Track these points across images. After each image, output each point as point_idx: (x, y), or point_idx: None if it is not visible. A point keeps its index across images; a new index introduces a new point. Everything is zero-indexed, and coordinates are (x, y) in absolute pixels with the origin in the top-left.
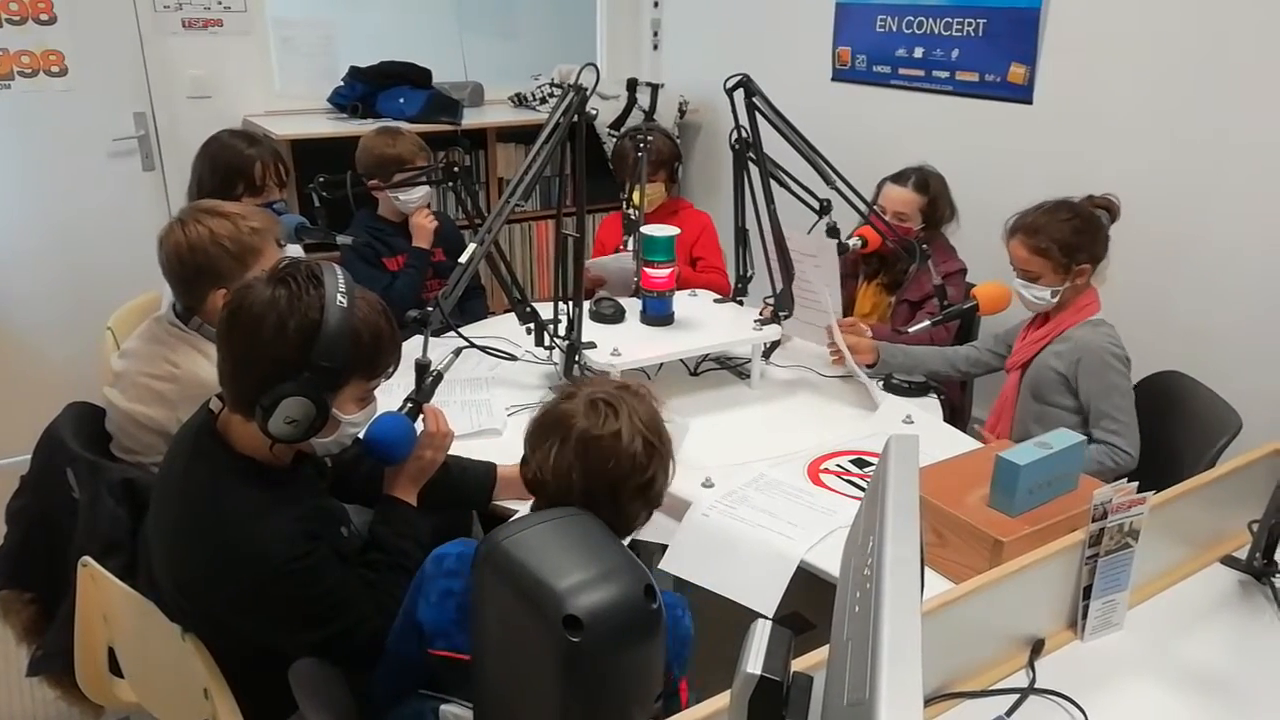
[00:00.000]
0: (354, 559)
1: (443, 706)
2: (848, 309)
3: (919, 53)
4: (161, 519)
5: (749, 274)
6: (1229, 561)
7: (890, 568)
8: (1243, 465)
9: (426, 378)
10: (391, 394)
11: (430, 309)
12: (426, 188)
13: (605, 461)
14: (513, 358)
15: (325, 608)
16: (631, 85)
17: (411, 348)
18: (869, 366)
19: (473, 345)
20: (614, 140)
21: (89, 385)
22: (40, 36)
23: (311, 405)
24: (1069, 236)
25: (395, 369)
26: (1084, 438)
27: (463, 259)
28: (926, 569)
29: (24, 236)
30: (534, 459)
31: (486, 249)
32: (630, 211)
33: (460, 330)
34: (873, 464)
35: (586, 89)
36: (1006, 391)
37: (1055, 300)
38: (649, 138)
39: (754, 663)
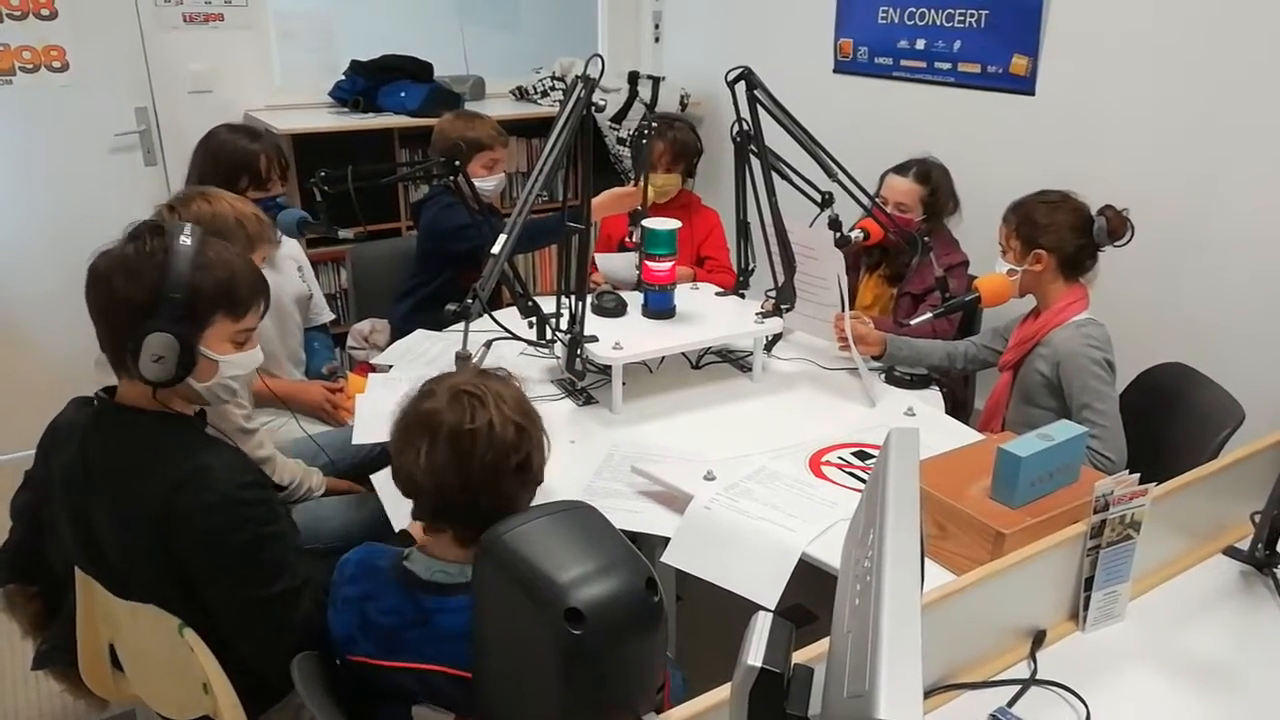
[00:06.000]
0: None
1: (415, 707)
2: (850, 302)
3: (921, 44)
4: (92, 499)
5: (751, 267)
6: (1231, 553)
7: (890, 561)
8: (1245, 456)
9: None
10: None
11: (469, 301)
12: (503, 175)
13: (479, 453)
14: (549, 345)
15: (270, 560)
16: (633, 78)
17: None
18: (875, 358)
19: (509, 334)
20: (614, 133)
21: (92, 380)
22: (41, 32)
23: (173, 339)
24: (1037, 216)
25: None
26: (1085, 429)
27: (495, 249)
28: (928, 561)
29: (26, 232)
30: (403, 463)
31: (514, 240)
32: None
33: (497, 320)
34: (874, 456)
35: (596, 79)
36: (998, 392)
37: (1015, 281)
38: (651, 126)
39: (755, 655)
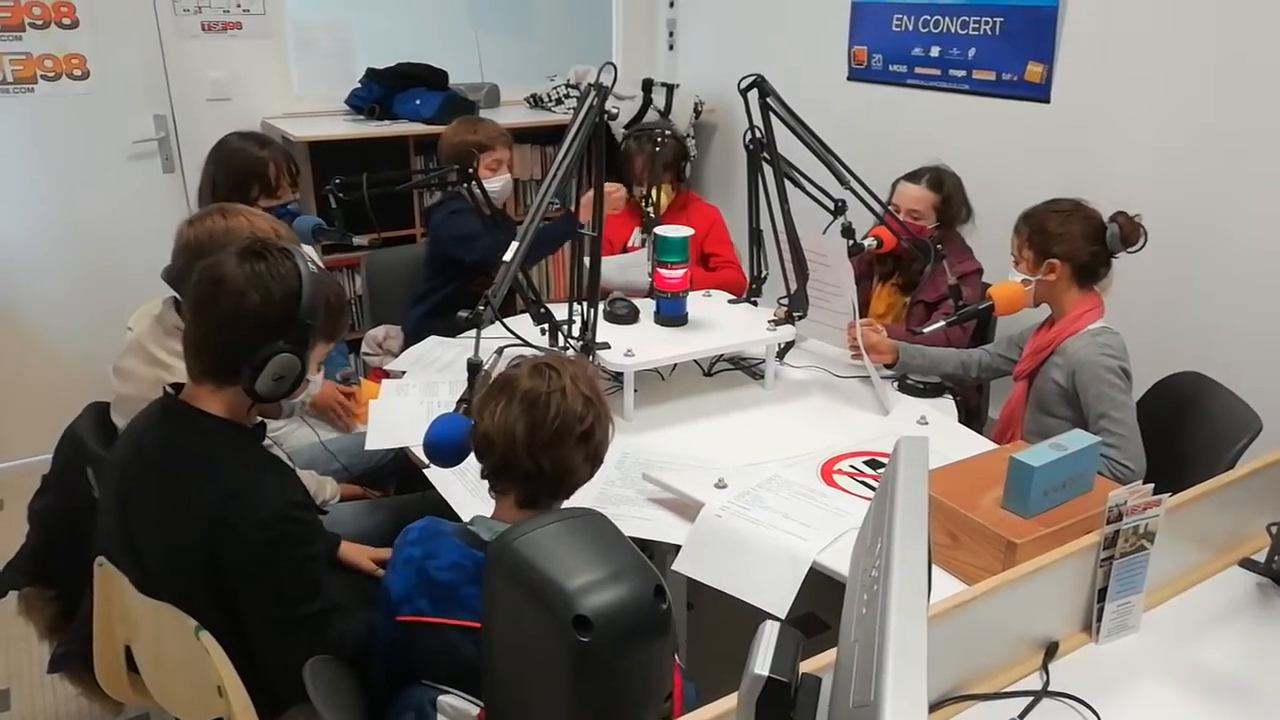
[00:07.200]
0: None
1: (440, 698)
2: (863, 310)
3: (935, 52)
4: (144, 491)
5: (764, 274)
6: (1247, 564)
7: (897, 570)
8: (1262, 467)
9: (478, 377)
10: (435, 392)
11: (481, 308)
12: (508, 176)
13: (548, 414)
14: (561, 351)
15: (308, 580)
16: (647, 85)
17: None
18: (888, 366)
19: (523, 342)
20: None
21: (108, 386)
22: (62, 40)
23: (297, 360)
24: (1050, 225)
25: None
26: (1099, 439)
27: (506, 257)
28: (940, 570)
29: (45, 238)
30: (482, 421)
31: (526, 248)
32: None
33: (509, 327)
34: (886, 465)
35: (609, 87)
36: (1014, 401)
37: (1029, 290)
38: (665, 134)
39: (762, 664)
